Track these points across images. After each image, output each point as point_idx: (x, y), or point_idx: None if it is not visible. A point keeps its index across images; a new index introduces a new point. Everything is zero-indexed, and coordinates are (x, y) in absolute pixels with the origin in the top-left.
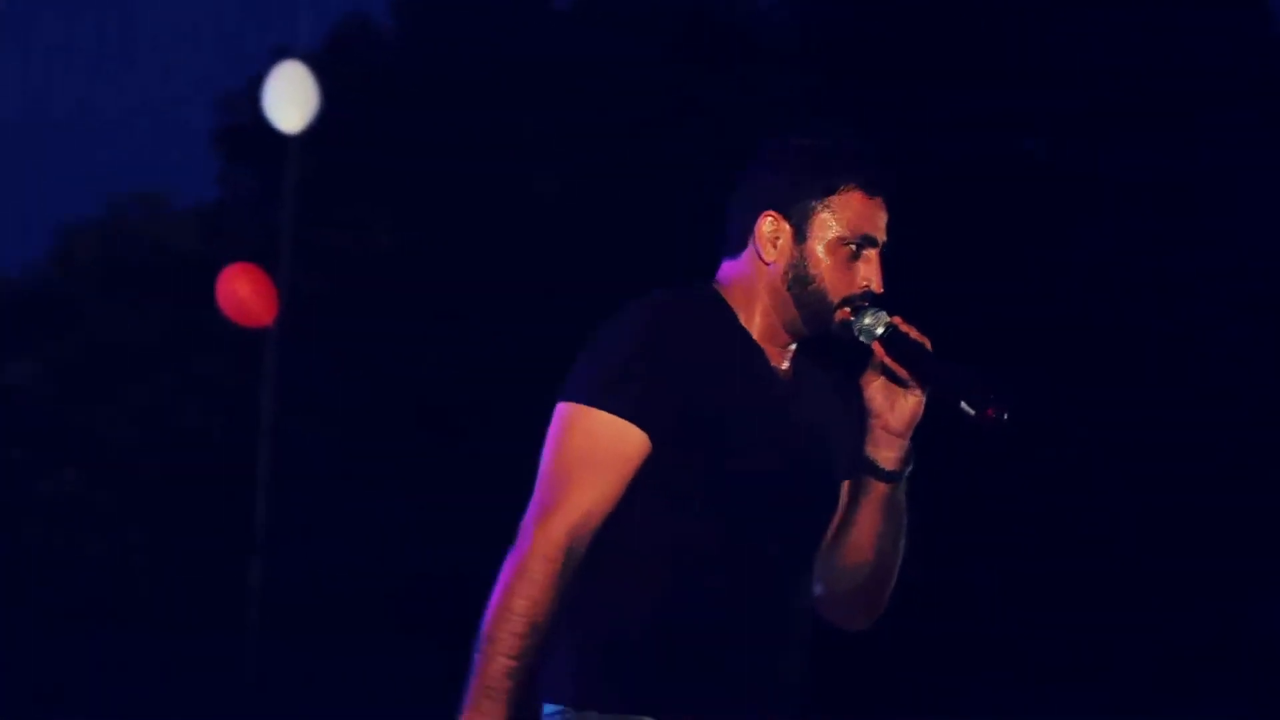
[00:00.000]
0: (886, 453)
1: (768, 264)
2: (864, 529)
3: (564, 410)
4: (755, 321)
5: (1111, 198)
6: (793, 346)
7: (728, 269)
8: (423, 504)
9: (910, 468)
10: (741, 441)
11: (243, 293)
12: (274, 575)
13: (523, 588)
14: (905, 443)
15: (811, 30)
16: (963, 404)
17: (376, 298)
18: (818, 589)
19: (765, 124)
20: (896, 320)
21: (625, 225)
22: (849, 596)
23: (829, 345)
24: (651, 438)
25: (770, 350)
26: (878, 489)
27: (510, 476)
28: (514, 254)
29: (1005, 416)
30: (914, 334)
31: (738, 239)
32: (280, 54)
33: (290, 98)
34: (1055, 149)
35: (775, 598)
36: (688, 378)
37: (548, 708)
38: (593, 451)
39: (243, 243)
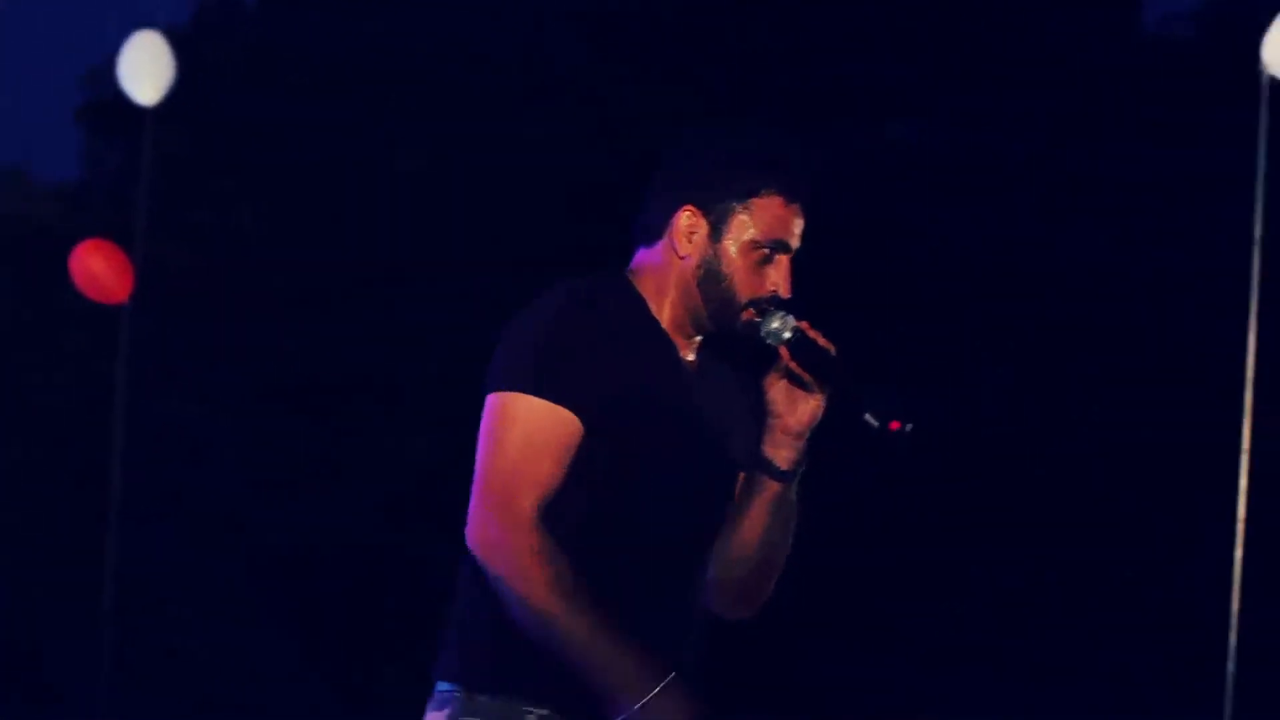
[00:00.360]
0: (783, 452)
1: (681, 257)
2: (754, 524)
3: (498, 401)
4: (665, 312)
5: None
6: (698, 340)
7: (642, 257)
8: (280, 481)
9: (804, 468)
10: (649, 429)
11: (96, 268)
12: (130, 553)
13: (523, 561)
14: (802, 444)
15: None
16: (866, 415)
17: (237, 275)
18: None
19: (638, 107)
20: (803, 325)
21: (490, 206)
22: (733, 586)
23: (736, 343)
24: (583, 422)
25: (678, 341)
26: (771, 487)
27: (369, 453)
28: (377, 233)
29: (908, 429)
30: (820, 340)
31: (654, 228)
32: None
33: (145, 68)
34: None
35: (672, 586)
36: (605, 363)
37: (441, 685)
38: (536, 436)
39: (104, 219)
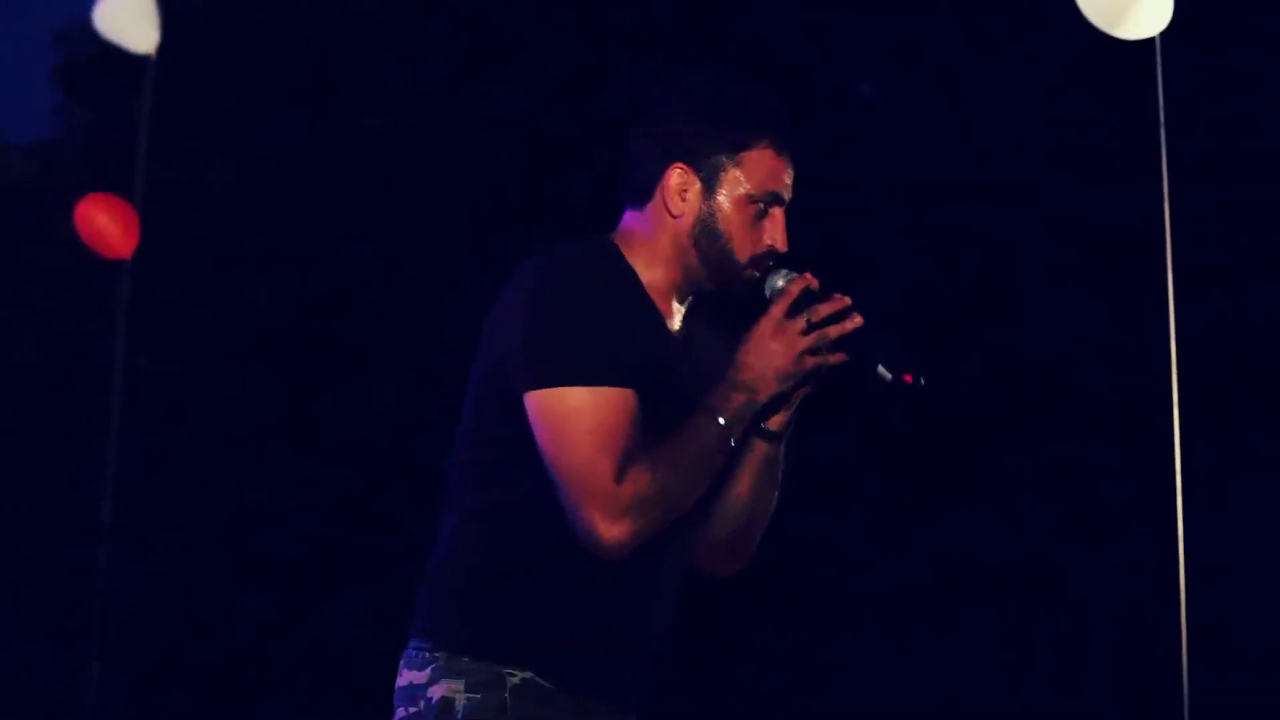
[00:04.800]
0: (775, 414)
1: (675, 216)
2: (743, 483)
3: (552, 399)
4: (656, 274)
5: None
6: (685, 304)
7: (630, 220)
8: (280, 444)
9: (792, 428)
10: (644, 396)
11: (101, 222)
12: (125, 520)
13: (636, 529)
14: (795, 404)
15: None
16: (880, 368)
17: (230, 232)
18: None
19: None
20: (809, 279)
21: (461, 160)
22: (720, 544)
23: (721, 305)
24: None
25: (665, 306)
26: (760, 448)
27: (364, 413)
28: (367, 190)
29: (922, 382)
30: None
31: (643, 189)
32: None
33: (132, 12)
34: None
35: (659, 552)
36: (621, 333)
37: (420, 645)
38: (607, 420)
39: (86, 176)
